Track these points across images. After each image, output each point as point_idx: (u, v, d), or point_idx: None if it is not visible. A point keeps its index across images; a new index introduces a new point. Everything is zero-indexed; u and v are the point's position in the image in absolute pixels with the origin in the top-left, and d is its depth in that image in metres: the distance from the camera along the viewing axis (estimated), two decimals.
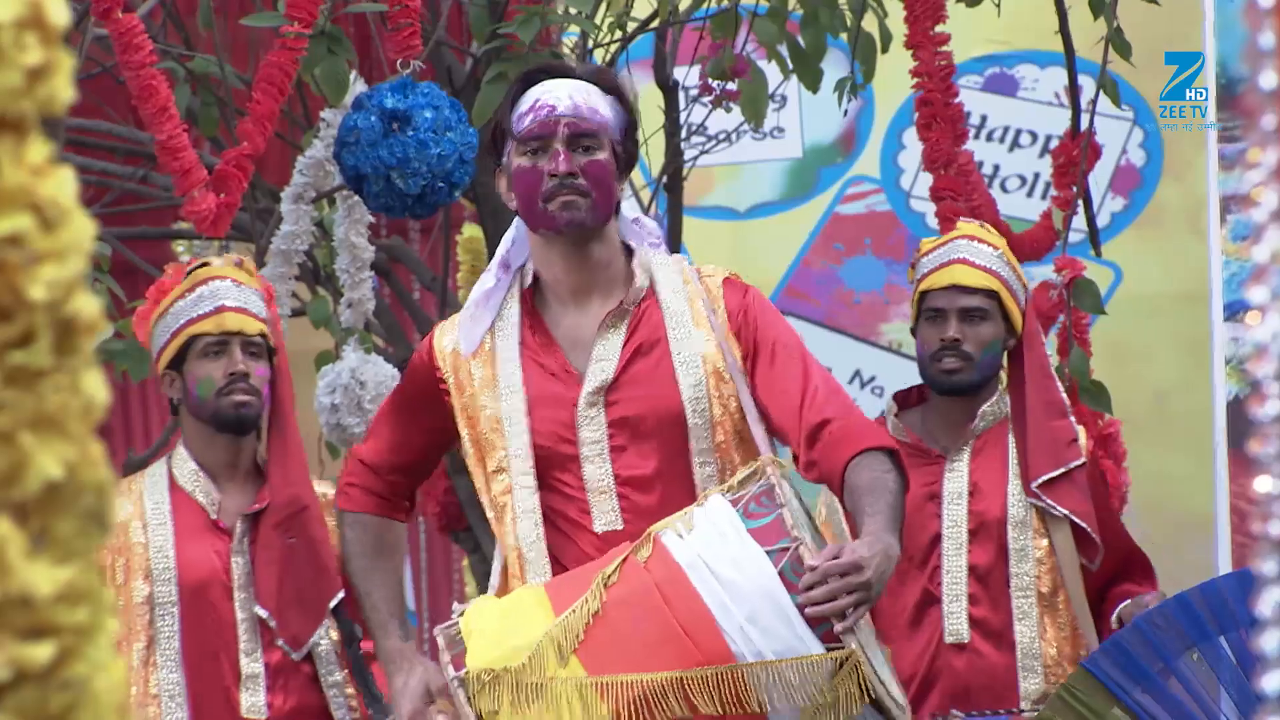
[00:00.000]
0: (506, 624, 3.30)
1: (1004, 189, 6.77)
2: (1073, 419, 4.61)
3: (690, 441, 3.49)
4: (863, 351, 6.85)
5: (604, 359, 3.53)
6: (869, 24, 5.39)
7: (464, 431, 3.60)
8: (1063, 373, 5.10)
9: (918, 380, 4.71)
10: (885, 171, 6.92)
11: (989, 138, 6.82)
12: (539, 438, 3.52)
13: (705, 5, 5.53)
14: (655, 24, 5.67)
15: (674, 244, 5.77)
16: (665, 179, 5.95)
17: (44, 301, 1.48)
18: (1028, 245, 5.38)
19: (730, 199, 6.98)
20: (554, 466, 3.52)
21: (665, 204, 6.00)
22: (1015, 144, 6.84)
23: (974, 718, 4.43)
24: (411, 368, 3.74)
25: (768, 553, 3.17)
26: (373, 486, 3.74)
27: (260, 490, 4.25)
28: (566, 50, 5.68)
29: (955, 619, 4.47)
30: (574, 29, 5.43)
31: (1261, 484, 1.57)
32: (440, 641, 3.36)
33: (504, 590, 3.57)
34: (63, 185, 1.51)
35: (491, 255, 5.76)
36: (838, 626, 3.11)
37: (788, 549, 3.16)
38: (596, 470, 3.50)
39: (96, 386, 1.52)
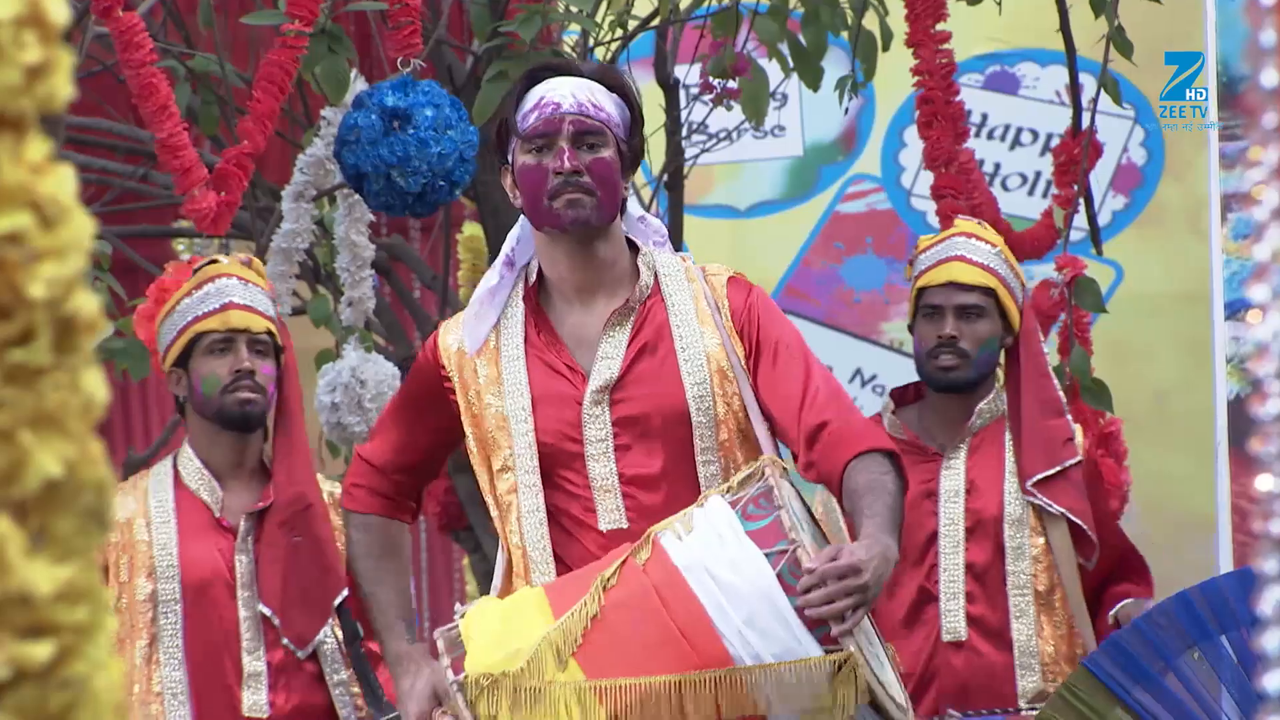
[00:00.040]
0: (507, 627, 3.29)
1: (1005, 187, 6.77)
2: (1069, 418, 4.61)
3: (695, 440, 3.49)
4: (863, 350, 6.85)
5: (609, 357, 3.52)
6: (870, 22, 5.39)
7: (468, 430, 3.59)
8: (1064, 372, 5.10)
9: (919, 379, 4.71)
10: (886, 170, 6.92)
11: (990, 136, 6.82)
12: (544, 436, 3.52)
13: (706, 3, 5.53)
14: (656, 22, 5.67)
15: (675, 243, 5.76)
16: (666, 177, 5.95)
17: (44, 299, 1.48)
18: (1029, 244, 5.38)
19: (731, 197, 6.97)
20: (559, 465, 3.51)
21: (666, 202, 6.00)
22: (1016, 142, 6.84)
23: (970, 717, 4.43)
24: (416, 367, 3.73)
25: (766, 555, 3.16)
26: (378, 487, 3.73)
27: (265, 489, 4.25)
28: (567, 48, 5.67)
29: (953, 617, 4.47)
30: (575, 27, 5.43)
31: (1262, 482, 1.57)
32: (440, 645, 3.35)
33: (506, 590, 3.56)
34: (62, 183, 1.50)
35: (492, 253, 5.78)
36: (835, 629, 3.10)
37: (785, 551, 3.15)
38: (601, 469, 3.49)
39: (96, 385, 1.52)
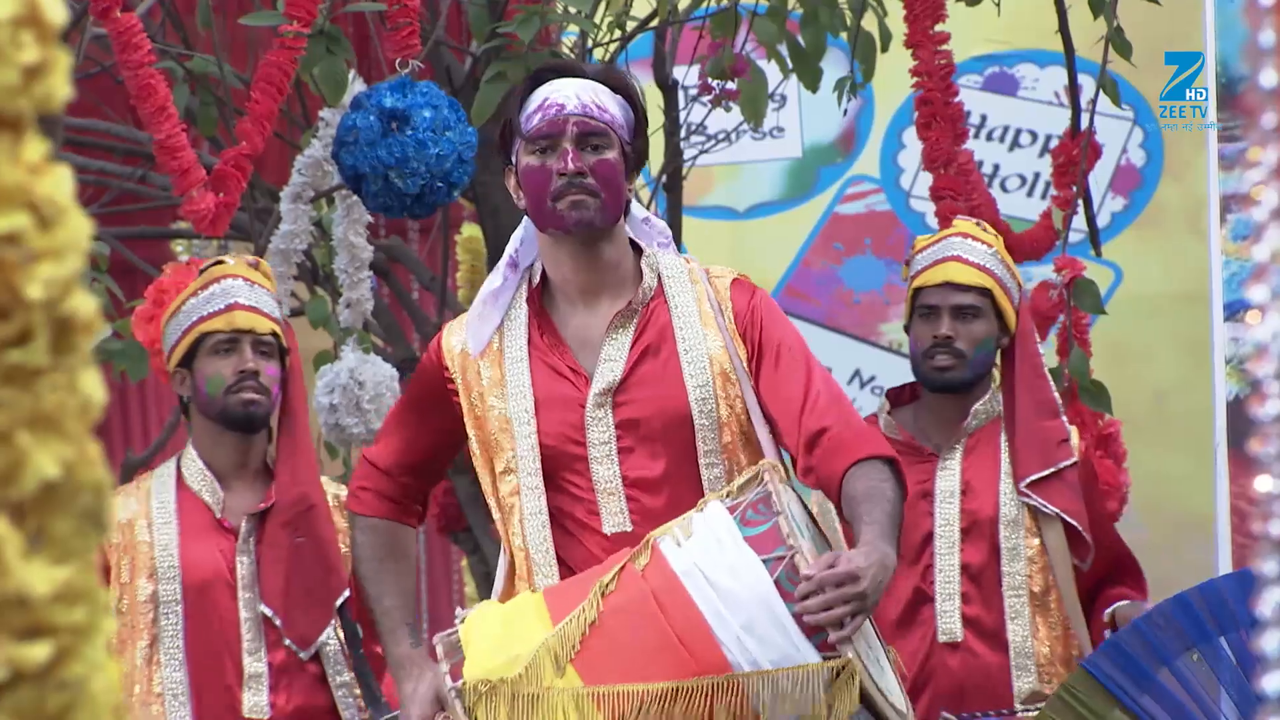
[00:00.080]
0: (505, 632, 3.29)
1: (1004, 188, 6.76)
2: (1064, 419, 4.61)
3: (698, 442, 3.48)
4: (862, 351, 6.85)
5: (612, 360, 3.52)
6: (869, 23, 5.39)
7: (471, 432, 3.58)
8: (1062, 373, 5.10)
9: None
10: (885, 171, 6.91)
11: (989, 137, 6.82)
12: (546, 438, 3.51)
13: (705, 4, 5.53)
14: (655, 23, 5.67)
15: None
16: (665, 178, 5.95)
17: (41, 300, 1.48)
18: (1028, 245, 5.38)
19: (730, 199, 6.97)
20: (562, 467, 3.51)
21: (664, 203, 6.00)
22: (1015, 143, 6.84)
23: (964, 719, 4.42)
24: (420, 368, 3.73)
25: (764, 561, 3.15)
26: (384, 489, 3.72)
27: (268, 490, 4.25)
28: (566, 49, 5.67)
29: (948, 618, 4.47)
30: (573, 28, 5.43)
31: (1262, 484, 1.56)
32: (439, 650, 3.35)
33: (508, 592, 3.56)
34: (59, 184, 1.50)
35: (490, 255, 5.78)
36: (833, 636, 3.10)
37: (783, 558, 3.14)
38: (605, 471, 3.49)
39: (94, 386, 1.52)
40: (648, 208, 6.01)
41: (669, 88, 5.91)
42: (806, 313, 6.81)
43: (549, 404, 3.52)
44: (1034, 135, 6.81)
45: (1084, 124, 5.38)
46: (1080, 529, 4.48)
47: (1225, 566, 6.37)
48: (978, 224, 4.75)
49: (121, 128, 6.14)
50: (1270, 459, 1.55)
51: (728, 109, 5.48)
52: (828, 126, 6.85)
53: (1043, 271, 5.37)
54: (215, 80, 5.27)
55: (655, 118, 5.78)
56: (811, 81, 5.33)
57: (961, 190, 5.33)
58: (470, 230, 6.92)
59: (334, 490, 4.35)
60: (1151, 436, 6.39)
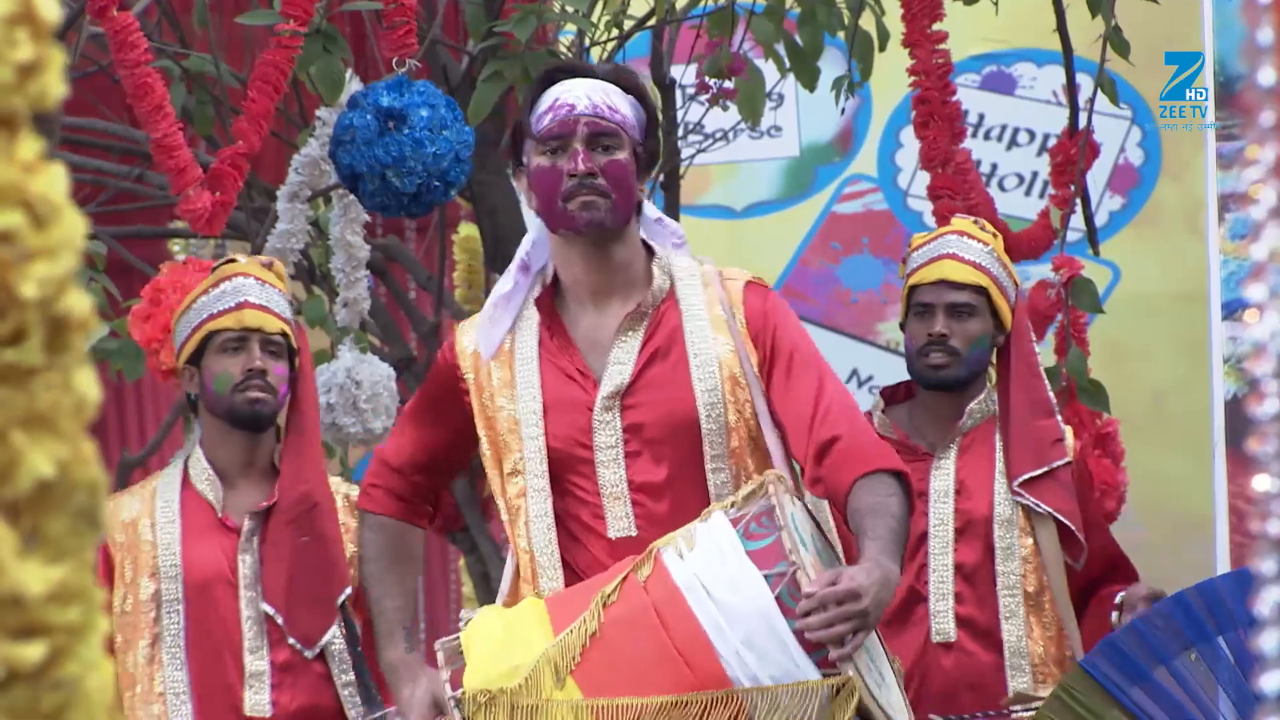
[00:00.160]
0: (507, 638, 3.29)
1: (1002, 188, 6.76)
2: (1059, 418, 4.60)
3: (704, 447, 3.47)
4: (860, 351, 6.85)
5: (620, 363, 3.50)
6: (866, 22, 5.39)
7: (482, 432, 3.58)
8: (1060, 372, 5.10)
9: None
10: (883, 170, 6.91)
11: (986, 136, 6.81)
12: (554, 441, 3.50)
13: (702, 3, 5.53)
14: (652, 22, 5.66)
15: None
16: (662, 177, 5.94)
17: (35, 299, 1.48)
18: (1025, 244, 5.38)
19: (727, 198, 6.97)
20: (568, 470, 3.50)
21: (662, 202, 6.00)
22: (1013, 143, 6.83)
23: None
24: (435, 367, 3.73)
25: (766, 576, 3.14)
26: (395, 488, 3.71)
27: (273, 489, 4.25)
28: (563, 48, 5.67)
29: (942, 618, 4.47)
30: (570, 27, 5.42)
31: (1260, 483, 1.56)
32: (440, 656, 3.34)
33: (514, 593, 3.55)
34: (54, 182, 1.50)
35: (487, 254, 5.78)
36: (833, 654, 3.09)
37: (785, 573, 3.13)
38: (611, 475, 3.48)
39: (88, 384, 1.51)
40: None
41: (666, 87, 5.90)
42: (804, 312, 6.79)
43: (557, 407, 3.51)
44: (1032, 134, 6.81)
45: (1082, 123, 5.37)
46: (1073, 528, 4.47)
47: (1223, 566, 6.37)
48: (975, 222, 4.75)
49: (118, 127, 6.14)
50: (1269, 458, 1.55)
51: (725, 108, 5.48)
52: (825, 125, 6.85)
53: (1041, 271, 5.36)
54: (212, 79, 5.26)
55: None
56: (809, 80, 5.33)
57: (959, 189, 5.32)
58: (467, 229, 6.91)
59: (345, 490, 4.35)
60: (1150, 436, 6.39)
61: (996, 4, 5.50)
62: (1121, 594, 4.45)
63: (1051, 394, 4.63)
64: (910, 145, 6.42)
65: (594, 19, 5.35)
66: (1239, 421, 6.34)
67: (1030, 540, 4.49)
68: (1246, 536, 6.20)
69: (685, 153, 6.07)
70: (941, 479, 4.54)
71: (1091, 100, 5.32)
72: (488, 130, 5.23)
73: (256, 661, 4.16)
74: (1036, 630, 4.47)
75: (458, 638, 3.34)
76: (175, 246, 7.34)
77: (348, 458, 5.74)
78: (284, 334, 4.26)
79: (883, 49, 5.44)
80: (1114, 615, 4.41)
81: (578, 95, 3.52)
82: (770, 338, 3.52)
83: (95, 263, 5.03)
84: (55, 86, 1.51)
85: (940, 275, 4.60)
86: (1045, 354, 4.99)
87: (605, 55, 5.62)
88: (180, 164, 4.35)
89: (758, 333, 3.53)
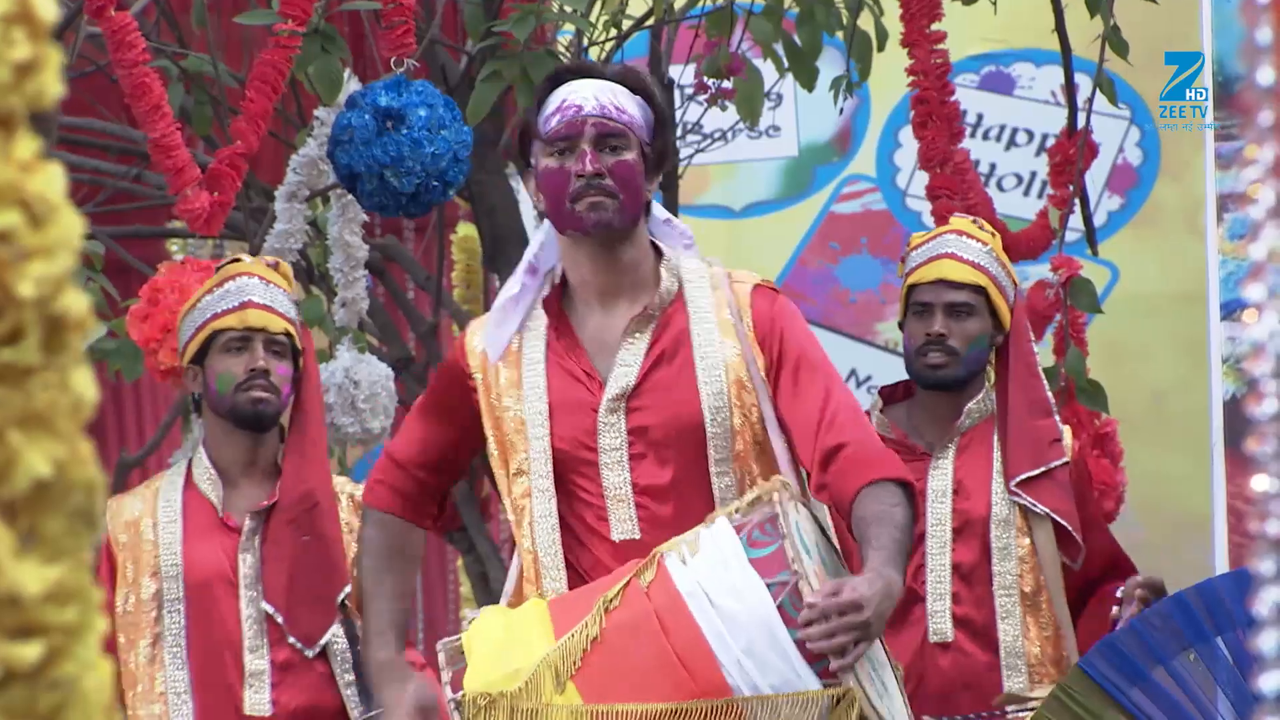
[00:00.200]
0: (509, 639, 3.28)
1: (1000, 188, 6.76)
2: (1057, 418, 4.60)
3: (709, 451, 3.46)
4: (859, 351, 6.85)
5: (626, 364, 3.49)
6: (865, 22, 5.39)
7: (489, 432, 3.57)
8: (1058, 372, 5.09)
9: None
10: (881, 170, 6.91)
11: (985, 136, 6.82)
12: (559, 442, 3.49)
13: (700, 3, 5.53)
14: (650, 22, 5.66)
15: None
16: (660, 177, 5.95)
17: (32, 298, 1.48)
18: (1024, 244, 5.38)
19: (726, 198, 6.97)
20: (573, 472, 3.49)
21: (660, 202, 5.99)
22: (1012, 143, 6.83)
23: None
24: (444, 366, 3.73)
25: (768, 585, 3.13)
26: (400, 485, 3.70)
27: (275, 488, 4.25)
28: (561, 48, 5.67)
29: (939, 618, 4.46)
30: (569, 27, 5.42)
31: (1258, 483, 1.56)
32: (441, 657, 3.34)
33: (518, 594, 3.54)
34: (51, 181, 1.50)
35: (486, 254, 5.77)
36: (834, 664, 3.08)
37: (787, 583, 3.13)
38: (615, 478, 3.47)
39: (86, 384, 1.51)
40: None
41: (665, 86, 5.90)
42: (803, 312, 6.80)
43: (563, 408, 3.50)
44: (1030, 134, 6.81)
45: (1081, 123, 5.37)
46: (1070, 529, 4.47)
47: (1222, 566, 6.37)
48: (974, 221, 4.74)
49: (116, 126, 6.13)
50: (1267, 458, 1.55)
51: (724, 108, 5.48)
52: (824, 125, 6.85)
53: (1039, 271, 5.36)
54: (210, 79, 5.26)
55: None
56: (807, 80, 5.33)
57: (958, 189, 5.32)
58: (466, 229, 6.91)
59: (349, 489, 4.35)
60: (1149, 436, 6.39)
61: (995, 4, 5.50)
62: (1121, 589, 4.45)
63: (1050, 394, 4.63)
64: (909, 145, 6.42)
65: (592, 19, 5.35)
66: (1238, 422, 6.34)
67: (1027, 540, 4.49)
68: (1245, 537, 6.20)
69: (684, 153, 6.07)
70: (939, 479, 4.54)
71: (1090, 100, 5.32)
72: (486, 130, 5.23)
73: (257, 661, 4.17)
74: (1033, 630, 4.47)
75: (459, 638, 3.34)
76: (173, 246, 7.34)
77: (346, 457, 5.74)
78: (288, 334, 4.26)
79: (881, 49, 5.44)
80: (1114, 609, 4.40)
81: (585, 96, 3.51)
82: (778, 342, 3.51)
83: (93, 262, 5.03)
84: (53, 86, 1.51)
85: (939, 275, 4.60)
86: (1044, 354, 4.99)
87: (603, 55, 5.62)
88: (178, 164, 4.35)
89: (765, 337, 3.52)
